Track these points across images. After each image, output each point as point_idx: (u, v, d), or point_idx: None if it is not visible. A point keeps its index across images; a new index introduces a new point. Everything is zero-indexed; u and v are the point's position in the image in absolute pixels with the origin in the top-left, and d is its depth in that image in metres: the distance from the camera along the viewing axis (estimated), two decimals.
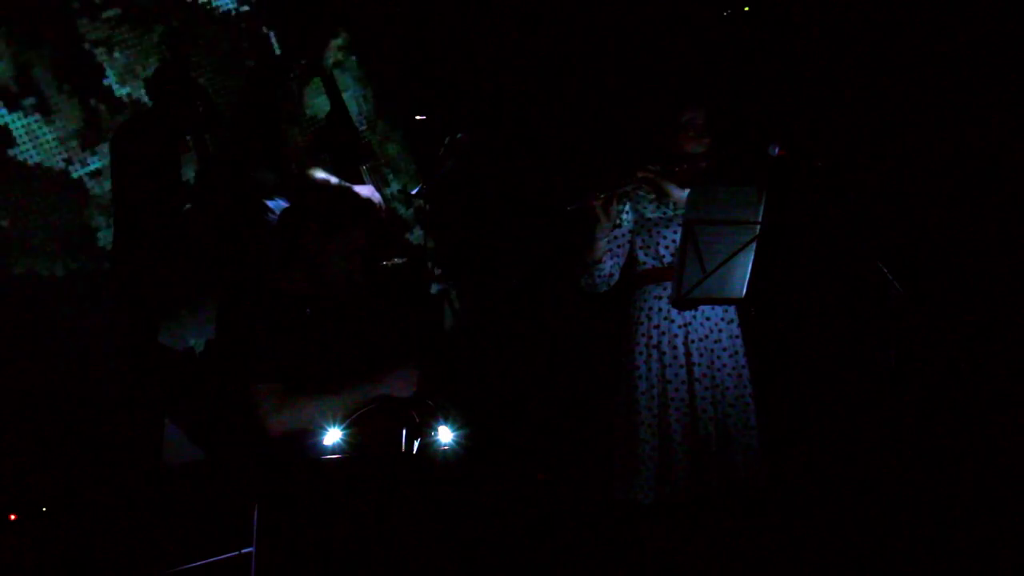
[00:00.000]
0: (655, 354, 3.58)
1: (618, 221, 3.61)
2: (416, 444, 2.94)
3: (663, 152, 3.64)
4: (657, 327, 3.59)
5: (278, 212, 4.04)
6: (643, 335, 3.61)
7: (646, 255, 3.66)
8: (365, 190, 4.25)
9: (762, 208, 3.25)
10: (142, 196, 4.62)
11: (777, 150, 3.44)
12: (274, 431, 2.89)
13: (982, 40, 4.51)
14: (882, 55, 4.78)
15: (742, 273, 3.31)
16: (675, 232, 3.59)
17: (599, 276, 3.62)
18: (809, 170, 3.46)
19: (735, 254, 3.26)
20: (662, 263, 3.62)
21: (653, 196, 3.62)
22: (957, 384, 4.28)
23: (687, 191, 3.43)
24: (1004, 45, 4.45)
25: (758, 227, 3.26)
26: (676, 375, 3.55)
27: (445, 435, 3.02)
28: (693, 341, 3.56)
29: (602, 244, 3.57)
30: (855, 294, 4.23)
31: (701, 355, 3.55)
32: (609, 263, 3.62)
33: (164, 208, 4.65)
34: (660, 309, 3.60)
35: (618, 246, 3.65)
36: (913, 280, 3.45)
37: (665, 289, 3.59)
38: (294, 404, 2.90)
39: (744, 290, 3.32)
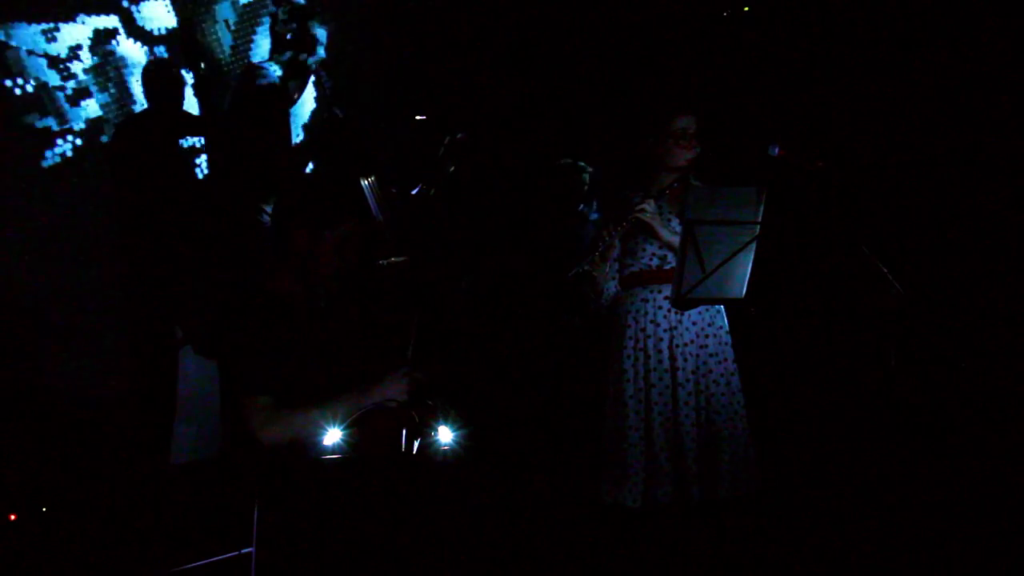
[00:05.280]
0: (641, 357, 3.58)
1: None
2: (416, 444, 2.94)
3: (651, 161, 3.64)
4: (643, 330, 3.59)
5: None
6: (630, 338, 3.61)
7: (632, 259, 3.65)
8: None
9: (762, 208, 3.25)
10: (145, 196, 4.61)
11: (777, 150, 3.44)
12: (266, 442, 2.87)
13: (981, 40, 4.51)
14: (882, 55, 4.79)
15: (742, 273, 3.31)
16: None
17: (604, 300, 3.67)
18: (809, 170, 3.46)
19: (735, 254, 3.26)
20: (649, 266, 3.62)
21: (639, 199, 3.61)
22: (956, 384, 4.28)
23: (677, 236, 3.44)
24: (1004, 45, 4.45)
25: (758, 227, 3.26)
26: (660, 379, 3.54)
27: (445, 435, 3.02)
28: (678, 346, 3.55)
29: (603, 279, 3.61)
30: (854, 294, 4.23)
31: (686, 360, 3.54)
32: (611, 285, 3.66)
33: (168, 207, 4.65)
34: (646, 312, 3.60)
35: (614, 261, 3.66)
36: (911, 279, 3.45)
37: (652, 292, 3.60)
38: (285, 417, 2.87)
39: (744, 290, 3.32)
